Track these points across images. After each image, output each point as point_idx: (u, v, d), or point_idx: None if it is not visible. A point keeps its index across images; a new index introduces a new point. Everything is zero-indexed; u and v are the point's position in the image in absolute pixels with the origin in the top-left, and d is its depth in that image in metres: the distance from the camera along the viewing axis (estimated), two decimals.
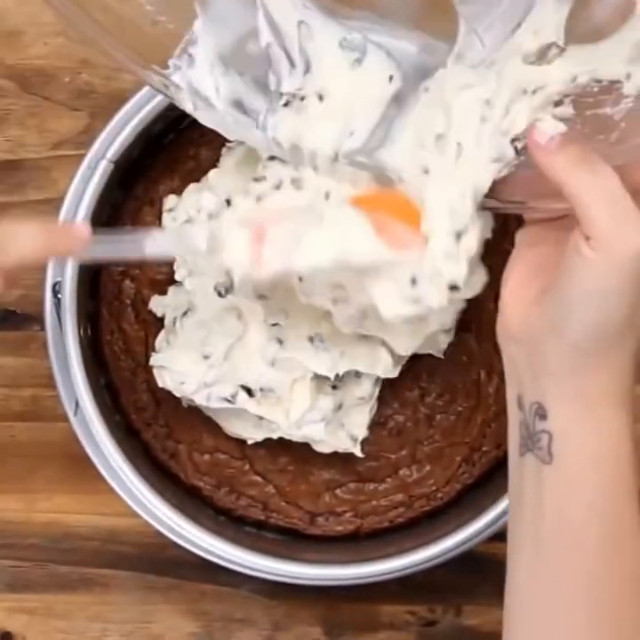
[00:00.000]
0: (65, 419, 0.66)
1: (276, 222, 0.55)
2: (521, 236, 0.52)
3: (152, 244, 0.54)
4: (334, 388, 0.66)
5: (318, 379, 0.65)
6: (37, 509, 0.73)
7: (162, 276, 0.69)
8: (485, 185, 0.50)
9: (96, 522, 0.73)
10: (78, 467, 0.67)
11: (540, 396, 0.49)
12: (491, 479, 0.69)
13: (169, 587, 0.73)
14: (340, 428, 0.67)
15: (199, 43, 0.52)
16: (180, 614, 0.73)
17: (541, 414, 0.49)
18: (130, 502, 0.65)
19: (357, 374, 0.66)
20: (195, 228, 0.57)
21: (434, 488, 0.70)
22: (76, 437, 0.65)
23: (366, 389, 0.66)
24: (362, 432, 0.67)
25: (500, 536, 0.65)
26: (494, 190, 0.50)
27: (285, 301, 0.63)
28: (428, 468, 0.70)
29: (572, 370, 0.48)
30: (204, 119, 0.53)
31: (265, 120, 0.52)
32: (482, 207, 0.51)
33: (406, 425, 0.69)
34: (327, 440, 0.66)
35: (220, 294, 0.63)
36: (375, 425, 0.69)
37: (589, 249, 0.45)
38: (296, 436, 0.66)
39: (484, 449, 0.69)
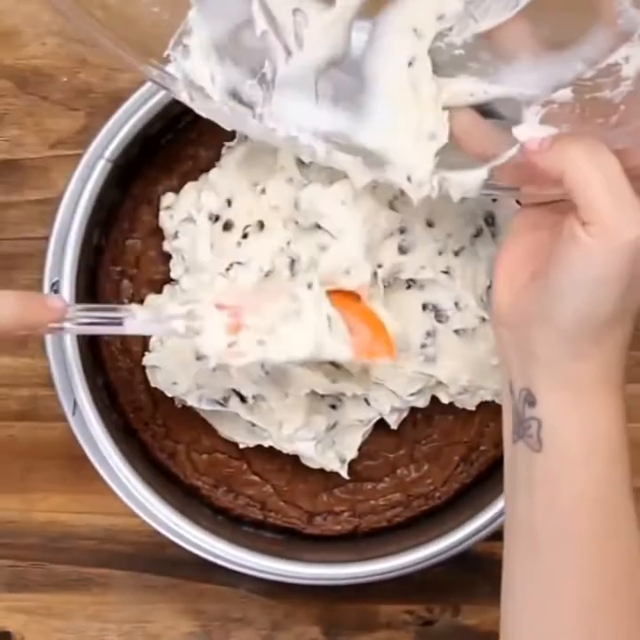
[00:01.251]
0: (63, 418, 0.65)
1: (254, 309, 0.57)
2: (518, 219, 0.52)
3: (131, 323, 0.55)
4: (333, 407, 0.66)
5: (313, 396, 0.65)
6: (35, 509, 0.73)
7: (159, 276, 0.68)
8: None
9: (94, 521, 0.73)
10: (76, 466, 0.67)
11: (528, 383, 0.49)
12: (489, 479, 0.69)
13: (167, 586, 0.73)
14: (330, 448, 0.67)
15: (193, 33, 0.51)
16: (179, 614, 0.73)
17: (530, 401, 0.49)
18: (128, 502, 0.65)
19: (363, 397, 0.66)
20: (173, 308, 0.57)
21: (432, 487, 0.70)
22: (75, 437, 0.65)
23: (367, 414, 0.66)
24: (351, 454, 0.67)
25: (497, 535, 0.64)
26: (490, 176, 0.50)
27: None
28: (426, 467, 0.70)
29: (560, 357, 0.48)
30: (201, 110, 0.53)
31: (262, 110, 0.52)
32: (479, 193, 0.51)
33: (404, 424, 0.69)
34: (316, 459, 0.66)
35: None
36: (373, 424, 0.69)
37: (586, 235, 0.45)
38: (286, 448, 0.66)
39: (482, 448, 0.69)
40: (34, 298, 0.54)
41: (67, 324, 0.54)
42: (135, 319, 0.55)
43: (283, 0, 0.51)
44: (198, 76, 0.52)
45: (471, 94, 0.50)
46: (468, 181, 0.51)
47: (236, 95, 0.52)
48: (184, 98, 0.53)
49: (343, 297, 0.60)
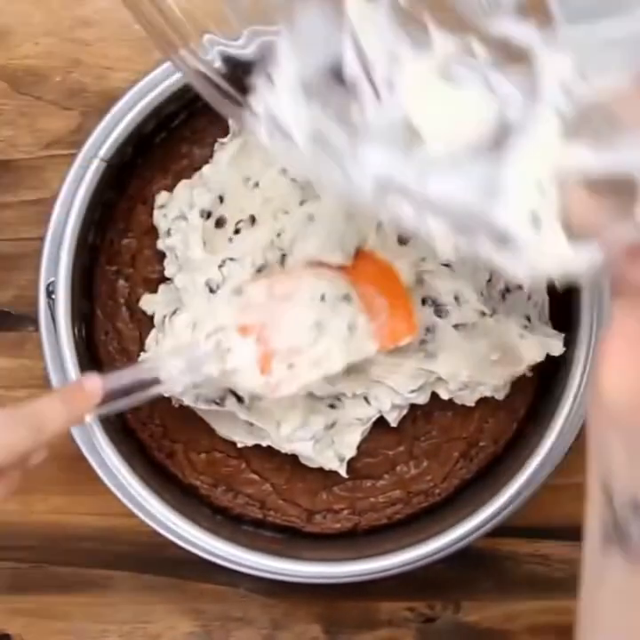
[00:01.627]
0: None
1: (276, 322, 0.59)
2: (616, 306, 0.45)
3: (169, 380, 0.59)
4: (332, 406, 0.66)
5: (311, 396, 0.65)
6: (35, 511, 0.73)
7: (155, 275, 0.68)
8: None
9: (93, 522, 0.73)
10: (75, 467, 0.67)
11: (638, 489, 0.44)
12: (488, 475, 0.69)
13: (167, 586, 0.73)
14: (328, 447, 0.67)
15: (282, 66, 0.47)
16: (179, 614, 0.73)
17: (637, 506, 0.44)
18: (127, 502, 0.65)
19: (362, 396, 0.66)
20: (200, 342, 0.60)
21: (431, 484, 0.69)
22: (73, 438, 0.65)
23: (367, 412, 0.66)
24: (350, 452, 0.67)
25: (498, 531, 0.65)
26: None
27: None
28: (425, 463, 0.70)
29: None
30: (279, 151, 0.48)
31: (347, 159, 0.46)
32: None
33: (404, 421, 0.69)
34: (314, 458, 0.66)
35: (211, 290, 0.63)
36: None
37: None
38: (285, 448, 0.66)
39: (482, 444, 0.69)
40: (71, 390, 0.58)
41: (104, 409, 0.56)
42: (171, 374, 0.58)
43: (377, 40, 0.46)
44: (284, 113, 0.47)
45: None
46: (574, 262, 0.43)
47: (320, 141, 0.47)
48: (261, 133, 0.47)
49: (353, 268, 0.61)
